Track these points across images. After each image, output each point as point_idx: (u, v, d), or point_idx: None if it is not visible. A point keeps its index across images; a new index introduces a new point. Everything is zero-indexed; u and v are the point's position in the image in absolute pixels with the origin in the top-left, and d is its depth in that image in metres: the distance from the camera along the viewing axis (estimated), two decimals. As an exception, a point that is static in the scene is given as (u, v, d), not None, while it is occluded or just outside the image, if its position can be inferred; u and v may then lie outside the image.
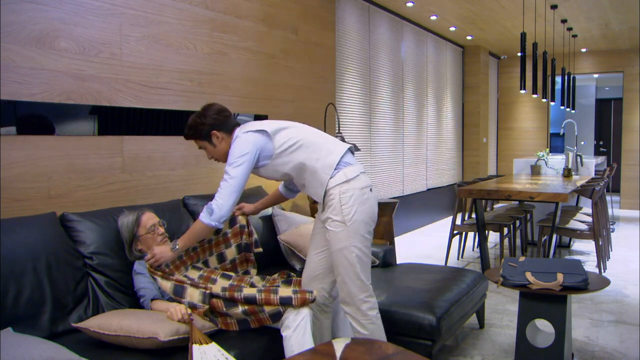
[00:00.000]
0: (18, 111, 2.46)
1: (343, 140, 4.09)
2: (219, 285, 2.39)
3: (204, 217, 2.26)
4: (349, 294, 2.28)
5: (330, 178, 2.26)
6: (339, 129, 4.26)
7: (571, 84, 8.02)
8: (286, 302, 2.20)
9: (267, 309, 2.21)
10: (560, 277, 2.49)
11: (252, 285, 2.51)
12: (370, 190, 2.32)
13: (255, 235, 2.83)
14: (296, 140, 2.32)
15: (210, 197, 2.36)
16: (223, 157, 2.40)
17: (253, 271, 2.77)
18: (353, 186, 2.26)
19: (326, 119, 4.63)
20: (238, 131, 2.34)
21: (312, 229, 2.52)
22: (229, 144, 2.35)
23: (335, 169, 2.27)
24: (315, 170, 2.29)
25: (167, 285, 2.29)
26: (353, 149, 2.46)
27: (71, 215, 2.46)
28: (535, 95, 6.73)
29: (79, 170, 2.75)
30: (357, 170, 2.31)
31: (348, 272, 2.25)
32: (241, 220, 2.78)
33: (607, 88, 11.62)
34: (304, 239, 3.09)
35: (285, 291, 2.23)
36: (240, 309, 2.20)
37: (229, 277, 2.52)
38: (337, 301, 2.55)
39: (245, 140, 2.28)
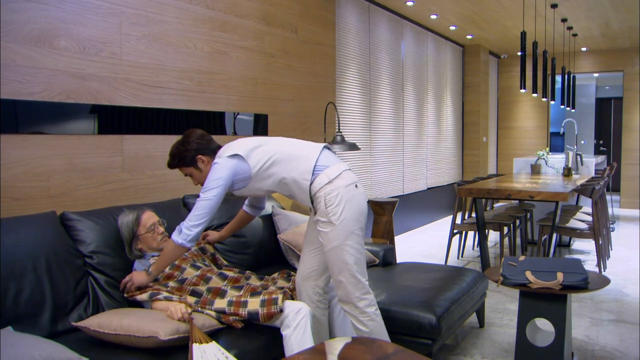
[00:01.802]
0: (18, 110, 2.46)
1: (343, 139, 4.08)
2: (211, 284, 2.42)
3: (174, 236, 2.27)
4: (345, 293, 2.28)
5: (312, 183, 2.27)
6: (339, 128, 4.25)
7: (571, 83, 8.01)
8: (253, 318, 2.23)
9: (239, 317, 2.25)
10: (560, 276, 2.49)
11: (249, 285, 2.52)
12: (356, 186, 2.32)
13: (226, 264, 2.86)
14: (270, 156, 2.32)
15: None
16: None
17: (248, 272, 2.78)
18: (337, 185, 2.25)
19: (326, 118, 4.63)
20: (216, 158, 2.34)
21: (306, 227, 2.53)
22: None
23: (313, 174, 2.27)
24: (295, 180, 2.30)
25: (144, 296, 2.31)
26: (330, 147, 2.45)
27: (71, 215, 2.46)
28: (535, 95, 6.72)
29: (78, 169, 2.75)
30: (340, 169, 2.30)
31: (342, 272, 2.26)
32: (209, 249, 2.82)
33: (607, 87, 11.61)
34: (303, 238, 3.08)
35: (254, 303, 2.25)
36: (214, 313, 2.25)
37: (224, 277, 2.52)
38: (335, 300, 2.55)
39: (220, 166, 2.29)
